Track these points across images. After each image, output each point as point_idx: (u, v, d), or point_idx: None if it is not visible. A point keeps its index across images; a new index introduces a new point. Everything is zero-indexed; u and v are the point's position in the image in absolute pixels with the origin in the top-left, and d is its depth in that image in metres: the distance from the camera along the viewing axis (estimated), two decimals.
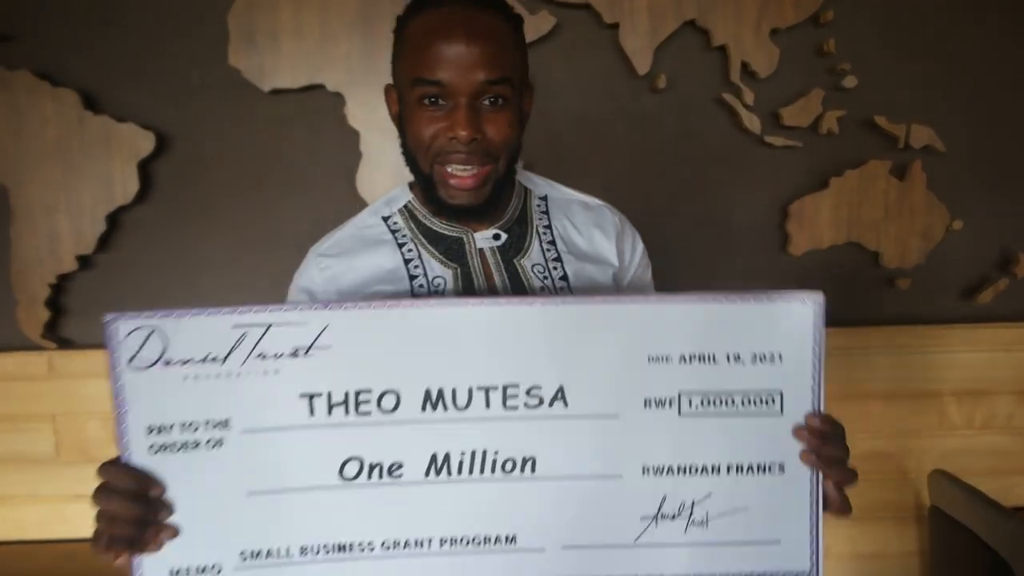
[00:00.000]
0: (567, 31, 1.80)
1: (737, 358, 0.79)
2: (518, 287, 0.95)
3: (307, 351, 0.76)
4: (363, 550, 0.78)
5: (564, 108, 1.83)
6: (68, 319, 1.87)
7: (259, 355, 0.75)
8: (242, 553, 0.77)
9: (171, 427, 0.75)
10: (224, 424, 0.76)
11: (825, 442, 0.81)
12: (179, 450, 0.75)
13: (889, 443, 1.96)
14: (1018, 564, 1.51)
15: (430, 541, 0.78)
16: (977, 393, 1.95)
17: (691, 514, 0.80)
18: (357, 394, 0.76)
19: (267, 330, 0.75)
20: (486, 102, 0.88)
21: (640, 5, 1.79)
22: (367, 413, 0.76)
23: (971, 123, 1.90)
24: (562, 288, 0.97)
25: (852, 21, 1.84)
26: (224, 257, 1.87)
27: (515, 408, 0.77)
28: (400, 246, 0.97)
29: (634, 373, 0.78)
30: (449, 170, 0.89)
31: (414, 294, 0.94)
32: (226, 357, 0.75)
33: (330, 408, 0.76)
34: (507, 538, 0.79)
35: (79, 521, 1.88)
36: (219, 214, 1.85)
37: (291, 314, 0.76)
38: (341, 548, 0.78)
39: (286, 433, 0.76)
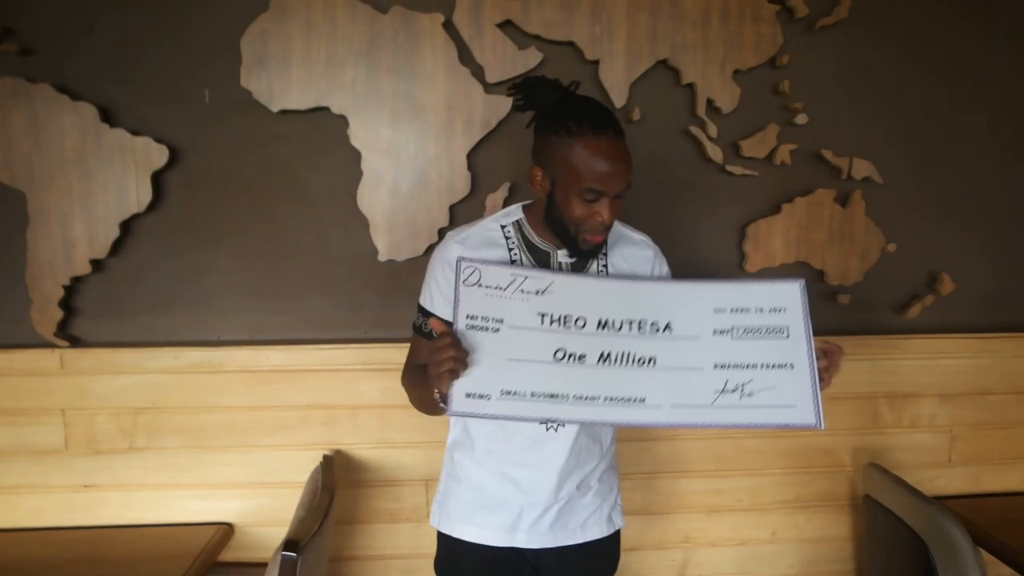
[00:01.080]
0: (552, 65, 1.97)
1: (761, 309, 1.35)
2: None
3: (543, 292, 1.33)
4: (564, 398, 1.28)
5: None
6: (80, 319, 1.98)
7: (521, 290, 1.32)
8: (501, 390, 1.27)
9: (477, 317, 1.29)
10: (500, 321, 1.30)
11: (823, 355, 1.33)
12: (479, 329, 1.29)
13: (830, 440, 2.19)
14: (933, 544, 1.73)
15: (599, 397, 1.29)
16: (905, 396, 2.19)
17: (742, 390, 1.31)
18: (564, 317, 1.32)
19: (526, 279, 1.33)
20: (615, 198, 1.33)
21: (618, 45, 1.97)
22: (568, 327, 1.32)
23: (906, 158, 2.12)
24: None
25: (805, 65, 2.04)
26: (229, 265, 2.00)
27: (644, 332, 1.33)
28: (509, 249, 1.42)
29: (707, 317, 1.35)
30: (589, 237, 1.35)
31: None
32: (506, 288, 1.32)
33: (551, 322, 1.31)
34: (640, 399, 1.30)
35: (87, 509, 2.01)
36: (226, 224, 1.98)
37: (538, 272, 1.35)
38: (552, 396, 1.28)
39: (530, 331, 1.30)
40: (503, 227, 1.44)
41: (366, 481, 2.07)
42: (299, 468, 1.99)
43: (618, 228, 1.48)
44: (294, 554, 1.40)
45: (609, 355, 1.31)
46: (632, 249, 1.48)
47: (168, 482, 2.02)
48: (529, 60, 1.96)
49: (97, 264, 1.95)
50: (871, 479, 2.06)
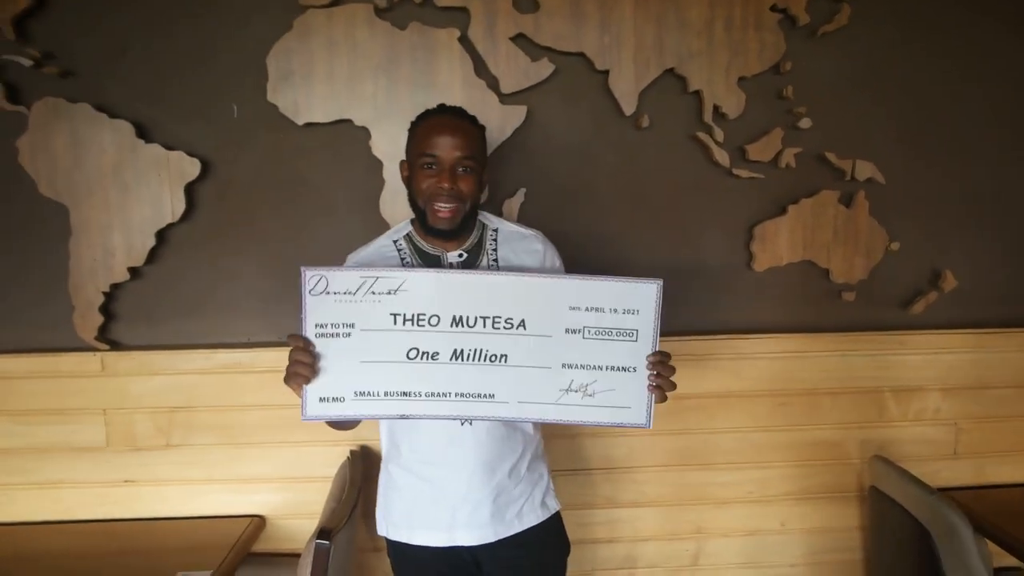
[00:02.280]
0: (564, 76, 2.05)
1: (615, 310, 1.43)
2: None
3: (395, 291, 1.39)
4: (416, 395, 1.40)
5: (560, 142, 2.09)
6: (119, 323, 2.09)
7: (372, 292, 1.39)
8: (355, 391, 1.39)
9: (326, 324, 1.38)
10: (352, 325, 1.38)
11: (661, 362, 1.44)
12: (329, 336, 1.38)
13: (835, 433, 2.26)
14: (937, 533, 1.80)
15: (449, 393, 1.41)
16: (911, 390, 2.25)
17: (585, 390, 1.44)
18: (417, 316, 1.40)
19: (377, 280, 1.39)
20: (460, 169, 1.46)
21: (627, 56, 2.05)
22: (422, 326, 1.40)
23: (907, 159, 2.18)
24: None
25: (808, 71, 2.10)
26: (257, 271, 2.10)
27: (498, 328, 1.41)
28: (401, 259, 1.54)
29: (560, 315, 1.43)
30: (435, 206, 1.46)
31: None
32: (356, 291, 1.38)
33: (405, 321, 1.40)
34: (489, 395, 1.42)
35: (127, 503, 2.12)
36: (255, 232, 2.08)
37: (390, 272, 1.40)
38: (404, 393, 1.40)
39: (382, 333, 1.39)
40: (395, 241, 1.57)
41: None
42: (326, 463, 2.10)
43: (508, 226, 1.61)
44: (327, 542, 1.50)
45: (462, 352, 1.41)
46: (522, 243, 1.58)
47: (202, 477, 2.12)
48: (542, 71, 2.04)
49: (134, 272, 2.05)
50: (877, 471, 2.13)
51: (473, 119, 1.53)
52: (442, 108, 1.53)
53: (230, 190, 2.06)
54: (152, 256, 2.05)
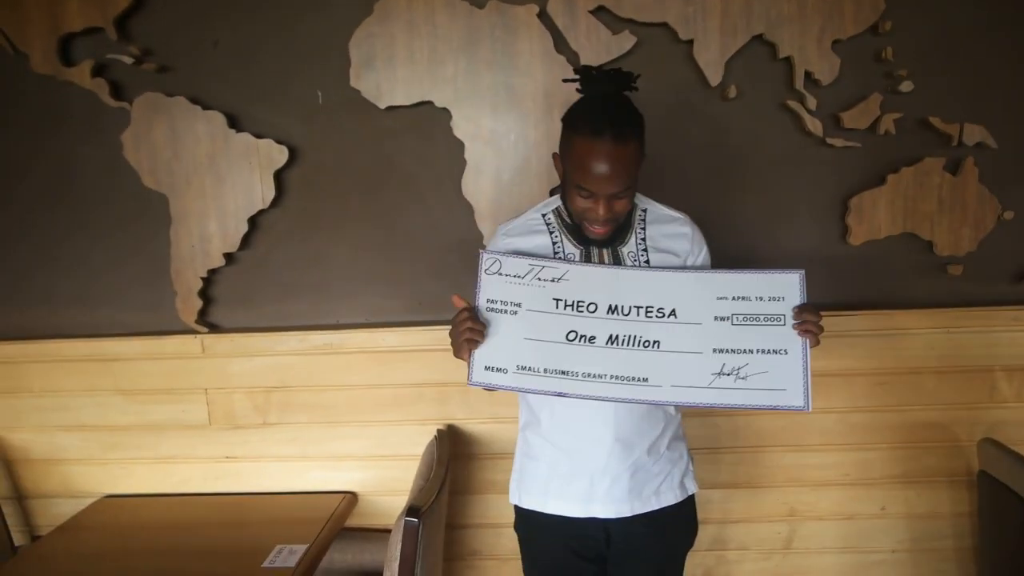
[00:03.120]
0: (646, 48, 2.00)
1: (761, 298, 1.46)
2: (617, 264, 1.52)
3: (558, 280, 1.47)
4: (574, 375, 1.43)
5: (645, 116, 2.04)
6: (216, 307, 2.19)
7: (538, 278, 1.47)
8: (518, 365, 1.44)
9: (496, 301, 1.46)
10: (519, 305, 1.46)
11: (807, 313, 1.43)
12: (499, 312, 1.46)
13: (942, 414, 2.14)
14: None
15: (606, 375, 1.44)
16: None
17: (738, 373, 1.43)
18: (577, 302, 1.46)
19: (543, 268, 1.47)
20: (616, 195, 1.41)
21: (713, 24, 1.98)
22: (581, 311, 1.46)
23: (1021, 121, 2.03)
24: (644, 264, 1.53)
25: (909, 31, 1.98)
26: (346, 253, 2.15)
27: (651, 317, 1.46)
28: (550, 233, 1.55)
29: (709, 304, 1.46)
30: (589, 227, 1.48)
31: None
32: (524, 276, 1.47)
33: (566, 306, 1.46)
34: (643, 378, 1.43)
35: (229, 478, 2.23)
36: (342, 216, 2.13)
37: (554, 263, 1.48)
38: (563, 372, 1.44)
39: (545, 315, 1.46)
40: (544, 215, 1.57)
41: (478, 454, 2.19)
42: (415, 441, 2.14)
43: (657, 207, 1.58)
44: (416, 519, 1.53)
45: (617, 337, 1.45)
46: (670, 225, 1.56)
47: (297, 454, 2.21)
48: (623, 44, 2.00)
49: (229, 257, 2.14)
50: (987, 454, 2.01)
51: (635, 131, 1.38)
52: (610, 125, 1.34)
53: (317, 175, 2.12)
54: (245, 242, 2.13)
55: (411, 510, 1.55)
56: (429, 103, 2.05)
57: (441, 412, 2.17)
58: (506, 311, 1.46)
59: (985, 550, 2.09)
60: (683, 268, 1.54)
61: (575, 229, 1.53)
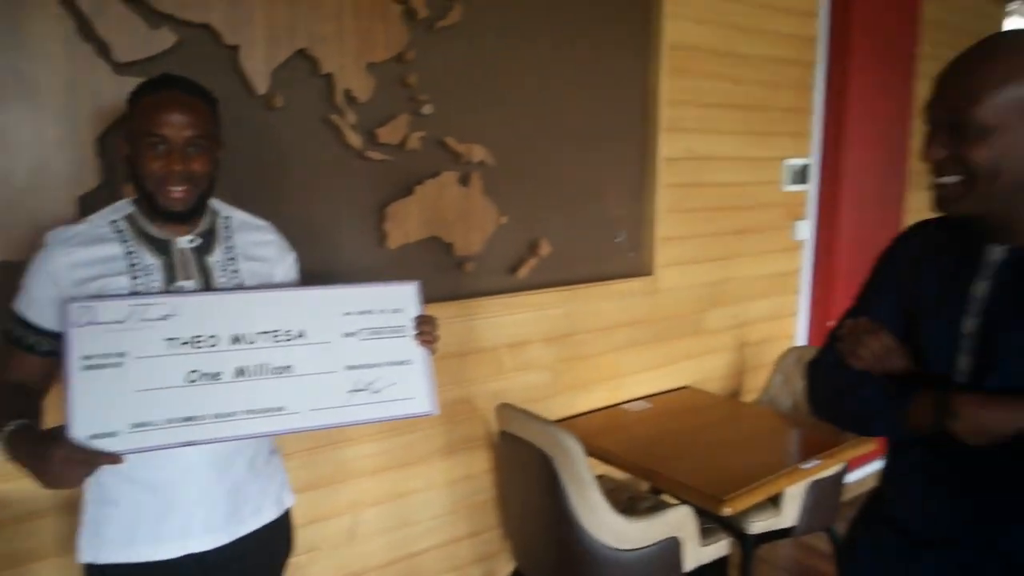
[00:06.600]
0: (191, 48, 1.88)
1: (383, 310, 1.52)
2: (204, 275, 1.45)
3: (168, 317, 1.34)
4: (204, 419, 1.33)
5: None
6: None
7: (143, 319, 1.32)
8: (132, 424, 1.28)
9: (94, 356, 1.28)
10: (122, 355, 1.30)
11: (425, 324, 1.55)
12: (98, 368, 1.28)
13: (466, 390, 2.52)
14: (555, 454, 2.17)
15: (238, 412, 1.36)
16: (520, 344, 2.62)
17: (371, 387, 1.47)
18: (195, 337, 1.36)
19: (149, 306, 1.33)
20: (191, 149, 1.37)
21: (259, 32, 1.96)
22: (201, 346, 1.36)
23: (512, 144, 2.50)
24: (234, 275, 1.49)
25: (429, 61, 2.26)
26: None
27: (279, 342, 1.42)
28: (124, 242, 1.41)
29: (337, 321, 1.48)
30: (169, 189, 1.36)
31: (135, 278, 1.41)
32: (125, 320, 1.31)
33: (182, 344, 1.34)
34: (279, 408, 1.39)
35: None
36: None
37: (162, 297, 1.36)
38: (188, 419, 1.32)
39: (159, 359, 1.32)
40: (113, 222, 1.42)
41: None
42: None
43: (240, 214, 1.57)
44: None
45: (245, 369, 1.38)
46: (257, 233, 1.57)
47: None
48: (163, 42, 1.84)
49: None
50: (503, 416, 2.43)
51: (204, 92, 1.42)
52: (168, 80, 1.39)
53: None
54: None
55: None
56: None
57: None
58: (107, 364, 1.28)
59: (507, 492, 2.54)
60: (305, 287, 1.57)
61: (152, 239, 1.42)
